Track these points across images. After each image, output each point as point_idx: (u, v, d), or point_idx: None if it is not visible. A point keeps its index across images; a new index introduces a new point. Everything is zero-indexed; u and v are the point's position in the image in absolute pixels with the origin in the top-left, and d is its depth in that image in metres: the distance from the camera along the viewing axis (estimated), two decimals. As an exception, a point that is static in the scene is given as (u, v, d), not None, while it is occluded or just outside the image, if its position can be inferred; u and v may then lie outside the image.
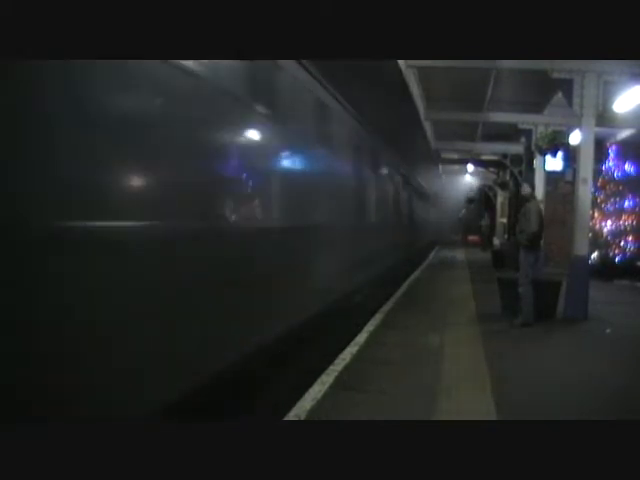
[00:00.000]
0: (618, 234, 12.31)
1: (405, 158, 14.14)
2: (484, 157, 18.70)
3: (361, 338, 5.86)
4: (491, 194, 23.72)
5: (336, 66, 5.93)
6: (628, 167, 12.43)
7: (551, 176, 11.87)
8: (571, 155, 9.42)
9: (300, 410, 3.63)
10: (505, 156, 16.45)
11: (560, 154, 8.84)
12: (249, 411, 3.78)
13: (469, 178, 29.25)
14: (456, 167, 26.01)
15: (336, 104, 6.71)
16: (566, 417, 3.37)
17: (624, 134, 12.02)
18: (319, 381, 4.27)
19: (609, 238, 12.39)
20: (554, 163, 10.78)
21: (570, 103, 7.33)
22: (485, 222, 25.50)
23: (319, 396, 3.91)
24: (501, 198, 19.34)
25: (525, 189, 7.15)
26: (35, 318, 2.06)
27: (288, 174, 5.03)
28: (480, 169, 22.09)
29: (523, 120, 10.91)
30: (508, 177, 16.56)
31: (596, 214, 12.25)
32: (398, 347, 5.55)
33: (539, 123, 10.42)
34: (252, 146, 4.16)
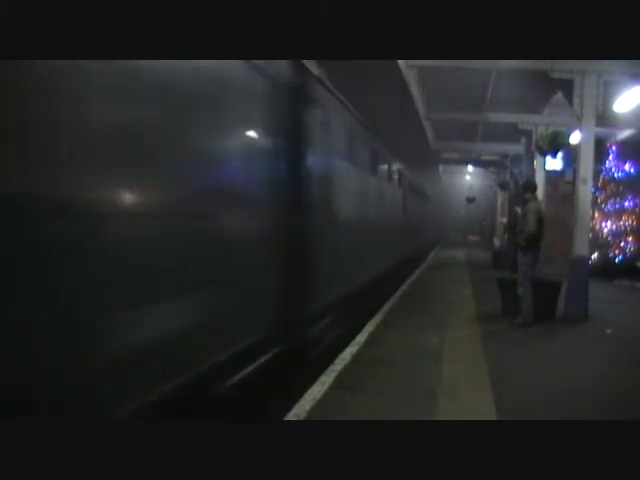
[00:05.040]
0: (618, 234, 12.30)
1: (405, 158, 14.11)
2: (484, 157, 18.68)
3: (361, 338, 5.86)
4: (492, 194, 23.73)
5: (341, 69, 5.95)
6: (628, 167, 12.43)
7: (551, 176, 11.86)
8: (571, 155, 9.42)
9: (300, 410, 3.63)
10: (505, 156, 16.44)
11: (560, 154, 8.84)
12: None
13: (469, 178, 29.27)
14: (456, 167, 26.02)
15: (348, 112, 6.97)
16: (566, 417, 3.37)
17: (624, 134, 12.01)
18: (319, 381, 4.27)
19: (609, 238, 12.38)
20: (554, 163, 10.77)
21: (570, 103, 7.32)
22: (486, 222, 25.50)
23: (319, 396, 3.91)
24: (501, 198, 19.32)
25: (525, 190, 7.11)
26: None
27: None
28: (481, 169, 22.10)
29: (523, 120, 10.90)
30: (508, 177, 16.55)
31: (596, 214, 12.24)
32: (398, 347, 5.55)
33: (539, 123, 10.41)
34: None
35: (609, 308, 8.01)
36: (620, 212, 12.34)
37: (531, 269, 6.71)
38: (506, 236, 16.07)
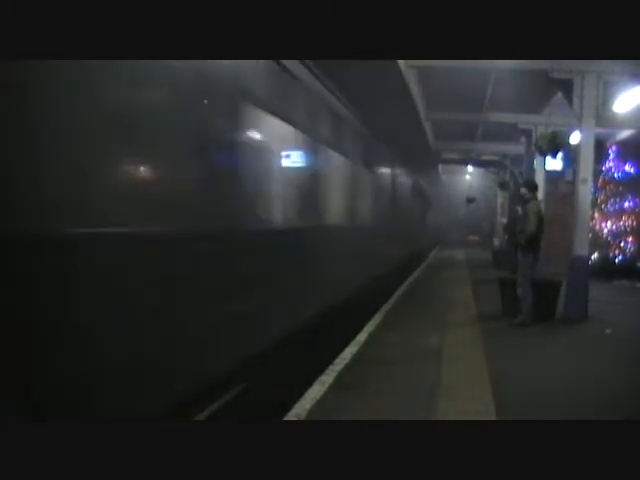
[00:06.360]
0: (618, 234, 12.30)
1: (406, 159, 14.11)
2: (484, 157, 18.69)
3: (361, 338, 5.86)
4: (491, 194, 23.73)
5: (341, 69, 5.95)
6: (628, 167, 12.43)
7: (551, 176, 11.86)
8: (571, 155, 9.41)
9: (300, 410, 3.63)
10: (505, 156, 16.45)
11: (560, 154, 8.83)
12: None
13: (469, 178, 29.27)
14: (456, 167, 26.02)
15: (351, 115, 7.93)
16: (566, 417, 3.37)
17: (624, 134, 12.01)
18: (319, 381, 4.27)
19: (609, 238, 12.38)
20: (554, 163, 10.77)
21: (570, 103, 7.32)
22: (486, 222, 25.52)
23: (319, 396, 3.91)
24: (501, 198, 19.33)
25: (522, 190, 7.09)
26: None
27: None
28: (481, 169, 22.09)
29: (523, 120, 10.90)
30: (508, 177, 16.55)
31: (596, 214, 12.24)
32: (398, 347, 5.55)
33: (539, 123, 10.41)
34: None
35: (609, 308, 8.01)
36: (620, 212, 12.34)
37: (531, 269, 6.70)
38: (506, 236, 16.08)
